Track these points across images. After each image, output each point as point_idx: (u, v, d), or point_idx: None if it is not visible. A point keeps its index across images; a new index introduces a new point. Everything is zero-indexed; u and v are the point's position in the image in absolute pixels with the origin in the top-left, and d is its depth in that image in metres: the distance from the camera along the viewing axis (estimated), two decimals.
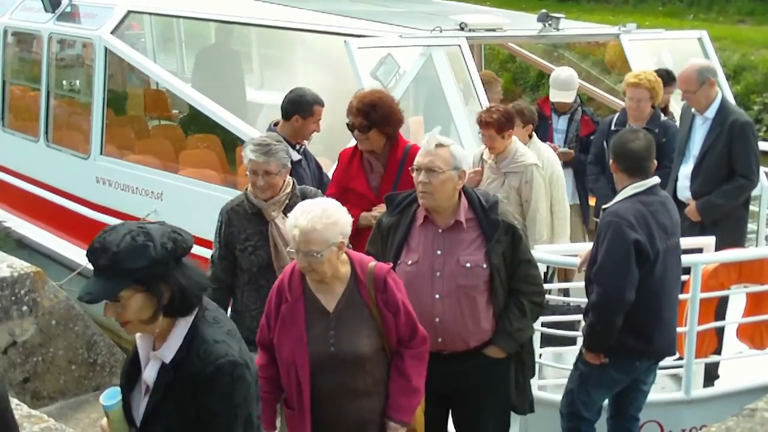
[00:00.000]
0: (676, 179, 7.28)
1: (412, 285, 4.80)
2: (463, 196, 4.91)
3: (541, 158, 7.19)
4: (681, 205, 7.00)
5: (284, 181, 5.44)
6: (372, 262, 4.57)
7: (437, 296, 4.85)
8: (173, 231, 3.38)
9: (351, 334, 4.45)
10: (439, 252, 4.87)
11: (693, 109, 7.23)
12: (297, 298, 4.51)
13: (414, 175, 4.86)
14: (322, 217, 4.32)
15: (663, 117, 7.77)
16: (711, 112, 7.11)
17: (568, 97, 8.36)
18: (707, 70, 7.12)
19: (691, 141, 7.23)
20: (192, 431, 3.33)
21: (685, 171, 7.20)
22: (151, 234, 3.28)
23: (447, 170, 4.77)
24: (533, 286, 4.99)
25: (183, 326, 3.36)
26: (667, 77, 8.12)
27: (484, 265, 4.83)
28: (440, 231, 4.90)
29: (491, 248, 4.83)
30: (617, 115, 7.84)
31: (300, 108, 6.45)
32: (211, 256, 5.58)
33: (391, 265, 4.68)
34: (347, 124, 6.20)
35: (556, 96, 8.39)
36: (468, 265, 4.83)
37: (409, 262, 4.91)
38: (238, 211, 5.48)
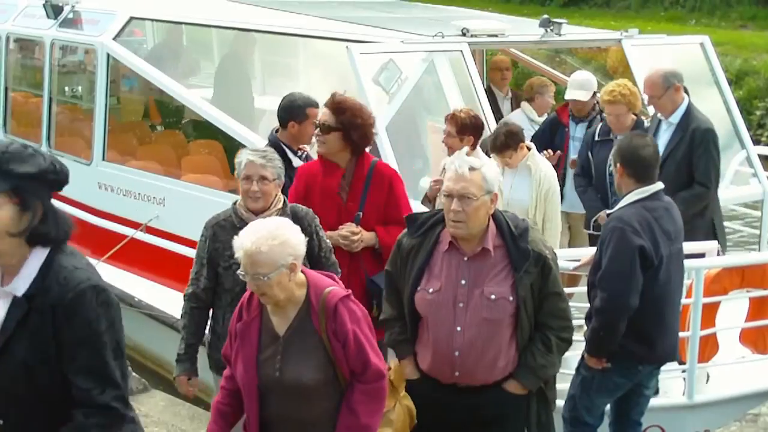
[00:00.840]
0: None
1: (432, 315, 4.61)
2: (491, 221, 4.60)
3: (538, 173, 7.06)
4: None
5: (276, 195, 5.26)
6: (328, 288, 4.27)
7: (458, 329, 4.55)
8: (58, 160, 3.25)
9: (297, 362, 4.21)
10: (463, 282, 4.56)
11: (659, 114, 7.19)
12: (253, 318, 4.32)
13: (444, 201, 4.55)
14: (268, 238, 4.10)
15: (647, 123, 7.64)
16: (676, 118, 7.05)
17: (584, 96, 8.14)
18: (673, 75, 7.05)
19: None
20: (53, 369, 3.14)
21: None
22: (41, 151, 3.22)
23: (481, 196, 4.45)
24: (562, 321, 4.67)
25: (38, 257, 3.17)
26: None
27: (511, 298, 4.51)
28: (466, 259, 4.58)
29: (518, 279, 4.52)
30: (600, 126, 7.69)
31: (293, 114, 6.36)
32: (191, 273, 5.36)
33: (349, 292, 4.31)
34: (314, 123, 5.98)
35: (571, 94, 8.20)
36: (493, 297, 4.51)
37: (431, 290, 4.61)
38: (225, 226, 5.26)
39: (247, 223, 4.99)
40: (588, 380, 5.53)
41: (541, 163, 7.19)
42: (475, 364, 4.58)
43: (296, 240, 4.19)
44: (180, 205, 8.76)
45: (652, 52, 9.07)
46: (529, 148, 7.19)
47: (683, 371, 6.29)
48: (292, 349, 4.23)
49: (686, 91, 7.23)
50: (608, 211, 6.99)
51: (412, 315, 4.72)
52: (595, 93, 8.13)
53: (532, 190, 7.02)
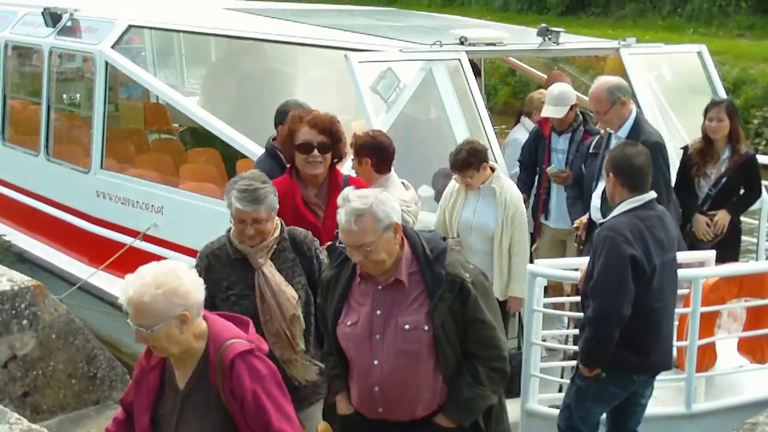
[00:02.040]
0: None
1: (351, 349, 4.37)
2: (406, 245, 4.30)
3: (503, 195, 6.79)
4: (594, 225, 6.91)
5: (274, 224, 4.95)
6: (230, 341, 3.84)
7: (376, 362, 4.29)
8: None
9: (194, 421, 3.85)
10: (378, 312, 4.29)
11: (608, 129, 7.08)
12: (153, 366, 3.95)
13: (347, 251, 4.27)
14: (152, 286, 3.68)
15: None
16: (624, 132, 6.92)
17: (558, 113, 7.80)
18: (618, 89, 6.91)
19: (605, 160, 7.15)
20: None
21: (598, 191, 6.97)
22: None
23: (378, 238, 4.15)
24: (491, 350, 4.31)
25: None
26: None
27: (426, 327, 4.22)
28: (380, 288, 4.31)
29: (434, 307, 4.21)
30: (596, 139, 7.50)
31: (282, 118, 6.37)
32: None
33: (252, 346, 3.90)
34: (299, 145, 5.68)
35: (546, 111, 7.91)
36: (407, 327, 4.23)
37: (348, 323, 4.36)
38: (219, 255, 4.97)
39: (243, 255, 4.86)
40: (583, 390, 5.53)
41: (506, 185, 6.90)
42: (397, 399, 4.33)
43: (187, 288, 3.76)
44: (178, 214, 8.76)
45: (650, 60, 9.10)
46: (493, 169, 6.90)
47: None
48: (190, 407, 3.87)
49: (637, 104, 7.22)
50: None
51: (338, 349, 4.47)
52: (573, 106, 7.86)
53: (497, 214, 6.77)
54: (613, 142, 6.95)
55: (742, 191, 7.62)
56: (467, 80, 7.85)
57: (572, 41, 9.40)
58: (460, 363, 4.32)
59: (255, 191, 4.78)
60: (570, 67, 13.37)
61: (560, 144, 7.93)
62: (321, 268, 4.98)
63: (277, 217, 4.97)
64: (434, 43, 7.98)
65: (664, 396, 6.42)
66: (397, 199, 6.31)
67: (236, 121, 8.81)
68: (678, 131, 8.51)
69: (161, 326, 3.70)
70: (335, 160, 5.79)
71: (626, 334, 5.25)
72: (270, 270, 4.86)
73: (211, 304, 4.80)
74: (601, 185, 6.93)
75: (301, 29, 9.26)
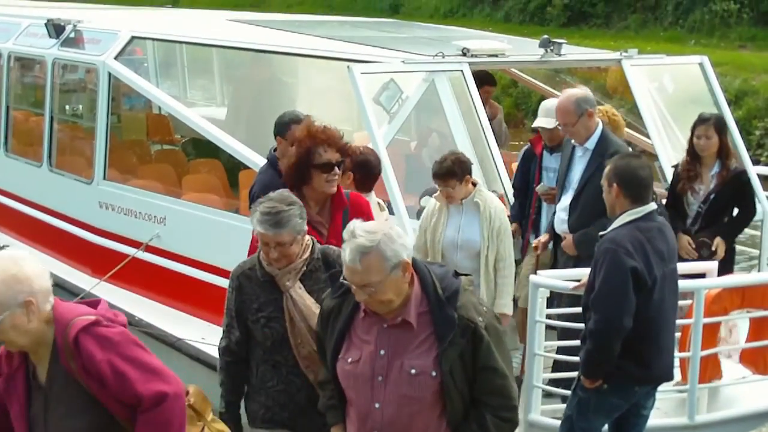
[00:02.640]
0: (554, 212, 7.11)
1: (350, 388, 4.08)
2: (416, 283, 3.98)
3: (487, 210, 6.67)
4: (558, 238, 6.97)
5: (302, 245, 4.74)
6: (73, 319, 3.66)
7: (377, 405, 3.98)
8: None
9: (60, 414, 3.66)
10: (382, 352, 3.97)
11: (573, 141, 7.01)
12: (16, 369, 3.76)
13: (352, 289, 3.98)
14: None
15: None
16: (591, 143, 6.86)
17: (548, 123, 7.60)
18: (585, 101, 6.85)
19: (571, 172, 7.01)
20: None
21: (564, 203, 6.95)
22: None
23: (385, 277, 3.84)
24: (501, 398, 4.01)
25: None
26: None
27: (434, 373, 3.91)
28: (385, 326, 3.99)
29: (443, 352, 3.89)
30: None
31: (279, 129, 6.41)
32: (223, 324, 4.99)
33: (96, 318, 3.71)
34: (321, 165, 5.48)
35: (537, 121, 7.77)
36: (414, 371, 3.92)
37: (349, 360, 4.05)
38: (251, 276, 4.80)
39: (272, 277, 4.70)
40: (585, 401, 5.52)
41: (489, 199, 6.77)
42: None
43: (27, 274, 3.58)
44: (181, 224, 8.77)
45: (651, 72, 9.11)
46: (474, 184, 6.76)
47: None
48: (53, 400, 3.68)
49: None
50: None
51: (336, 381, 4.18)
52: None
53: (482, 229, 6.64)
54: (578, 154, 6.95)
55: (736, 211, 7.51)
56: (469, 91, 7.86)
57: (574, 52, 9.41)
58: (467, 409, 4.02)
59: (277, 214, 4.59)
60: (572, 78, 13.38)
61: (552, 162, 7.71)
62: None
63: (308, 236, 4.80)
64: (437, 55, 8.00)
65: (667, 407, 6.42)
66: None
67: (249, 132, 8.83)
68: (680, 142, 8.50)
69: (6, 316, 3.55)
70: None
71: (627, 346, 5.25)
72: (299, 293, 4.70)
73: (244, 324, 4.79)
74: (566, 198, 6.96)
75: (304, 40, 9.29)
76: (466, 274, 4.12)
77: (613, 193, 5.47)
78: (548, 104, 7.84)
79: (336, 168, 5.51)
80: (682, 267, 5.99)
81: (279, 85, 10.90)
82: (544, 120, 7.72)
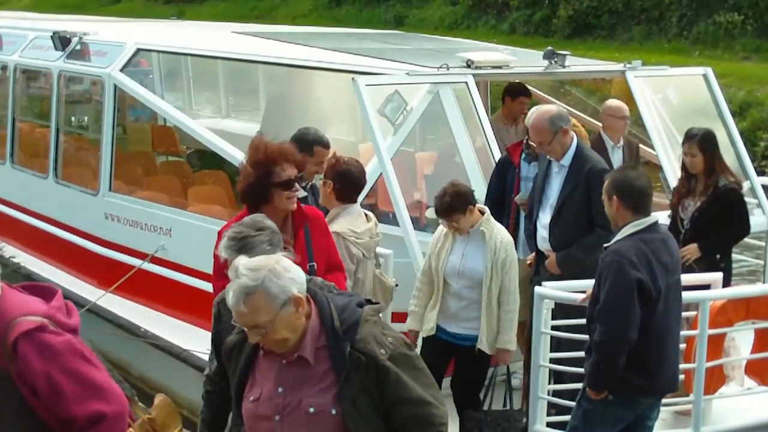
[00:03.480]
0: (535, 229, 6.97)
1: (252, 428, 3.79)
2: (314, 316, 3.67)
3: (493, 240, 6.39)
4: (542, 256, 6.87)
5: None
6: (16, 319, 3.40)
7: None
8: None
9: None
10: (280, 390, 3.68)
11: (548, 156, 6.91)
12: None
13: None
14: None
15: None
16: (567, 160, 6.78)
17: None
18: (559, 118, 6.77)
19: (548, 189, 6.90)
20: None
21: (544, 221, 6.86)
22: None
23: (275, 316, 3.54)
24: (422, 426, 3.69)
25: None
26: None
27: (334, 411, 3.61)
28: (284, 362, 3.69)
29: (341, 389, 3.60)
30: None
31: (301, 146, 6.21)
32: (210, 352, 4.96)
33: (42, 323, 3.44)
34: (282, 183, 5.33)
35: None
36: (312, 410, 3.63)
37: (251, 399, 3.76)
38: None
39: None
40: (590, 412, 5.52)
41: (496, 229, 6.50)
42: None
43: None
44: (186, 236, 8.79)
45: (655, 83, 9.13)
46: (482, 212, 6.52)
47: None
48: None
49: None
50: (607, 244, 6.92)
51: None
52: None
53: (486, 259, 6.38)
54: (555, 170, 6.86)
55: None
56: (474, 103, 7.88)
57: (578, 64, 9.44)
58: None
59: (242, 239, 4.45)
60: (576, 89, 13.43)
61: (531, 172, 7.41)
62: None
63: None
64: (441, 66, 8.02)
65: (672, 419, 6.42)
66: (347, 229, 6.17)
67: None
68: None
69: None
70: None
71: (632, 357, 5.25)
72: None
73: (220, 354, 4.46)
74: (544, 215, 6.86)
75: (308, 52, 9.32)
76: (374, 303, 3.87)
77: (613, 206, 5.47)
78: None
79: (296, 184, 5.36)
80: (687, 278, 5.99)
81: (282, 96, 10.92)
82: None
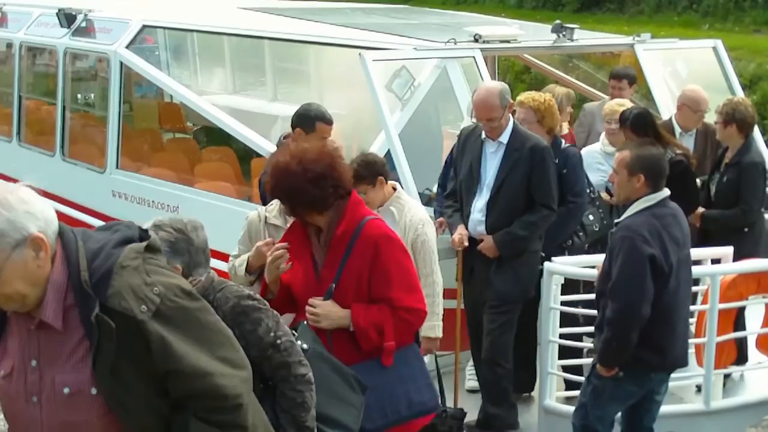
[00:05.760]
0: (469, 213, 6.48)
1: (8, 412, 3.00)
2: (58, 265, 2.82)
3: (403, 219, 5.86)
4: (474, 242, 6.42)
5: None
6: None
7: None
8: None
9: None
10: (33, 363, 2.87)
11: (482, 135, 6.44)
12: None
13: None
14: None
15: (564, 144, 6.89)
16: (505, 137, 6.37)
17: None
18: (507, 93, 6.40)
19: (483, 170, 6.43)
20: None
21: (479, 204, 6.42)
22: None
23: (3, 261, 2.75)
24: (207, 400, 2.89)
25: None
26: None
27: (94, 390, 2.80)
28: (32, 327, 2.86)
29: (97, 361, 2.77)
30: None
31: (302, 122, 6.20)
32: None
33: None
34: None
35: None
36: (66, 390, 2.81)
37: (1, 374, 2.93)
38: None
39: None
40: (600, 389, 5.50)
41: (407, 206, 5.96)
42: None
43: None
44: (194, 213, 8.74)
45: (665, 56, 9.07)
46: (394, 188, 6.02)
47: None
48: None
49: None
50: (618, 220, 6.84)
51: None
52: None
53: None
54: (490, 150, 6.41)
55: None
56: (482, 78, 7.83)
57: (587, 37, 9.37)
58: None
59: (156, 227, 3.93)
60: (585, 63, 13.33)
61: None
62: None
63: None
64: (448, 41, 7.96)
65: (683, 393, 6.41)
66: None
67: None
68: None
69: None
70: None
71: (643, 333, 5.23)
72: None
73: None
74: (480, 198, 6.42)
75: (315, 28, 9.26)
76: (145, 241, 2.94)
77: (637, 183, 5.36)
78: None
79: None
80: (697, 253, 5.96)
81: (289, 71, 10.88)
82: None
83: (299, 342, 4.00)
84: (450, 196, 6.75)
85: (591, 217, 6.93)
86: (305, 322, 4.40)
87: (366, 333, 4.41)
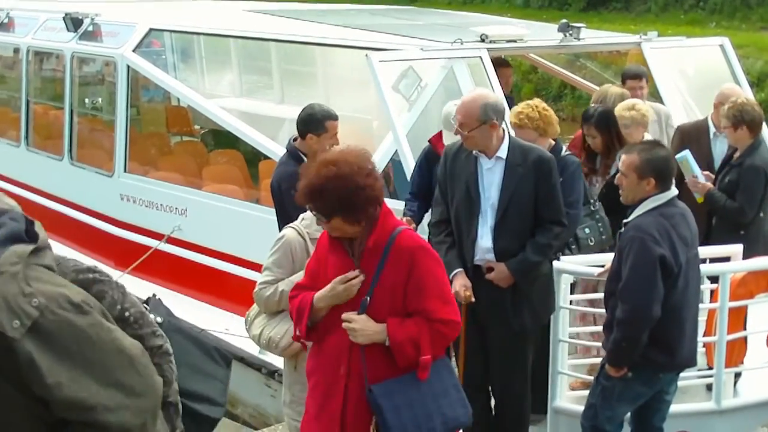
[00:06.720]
0: (474, 239, 5.69)
1: None
2: None
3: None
4: (480, 273, 5.69)
5: None
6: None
7: None
8: None
9: None
10: None
11: (475, 151, 5.68)
12: None
13: None
14: None
15: (565, 151, 6.54)
16: (503, 152, 5.67)
17: (449, 137, 6.34)
18: (493, 107, 5.63)
19: (482, 191, 5.69)
20: None
21: (485, 229, 5.68)
22: None
23: None
24: (90, 430, 2.48)
25: None
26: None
27: None
28: None
29: None
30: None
31: (312, 126, 6.17)
32: None
33: None
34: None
35: (446, 137, 6.55)
36: None
37: None
38: None
39: None
40: (609, 389, 5.48)
41: None
42: None
43: None
44: (202, 216, 8.79)
45: (672, 54, 9.04)
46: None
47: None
48: None
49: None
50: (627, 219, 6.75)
51: None
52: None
53: None
54: (486, 167, 5.68)
55: None
56: (488, 78, 7.82)
57: (593, 36, 9.36)
58: None
59: None
60: (592, 62, 13.33)
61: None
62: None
63: None
64: (455, 41, 7.95)
65: (693, 392, 6.39)
66: None
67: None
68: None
69: None
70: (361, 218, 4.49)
71: (652, 333, 5.21)
72: None
73: None
74: (484, 221, 5.69)
75: (321, 29, 9.27)
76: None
77: (647, 186, 5.33)
78: (443, 113, 6.83)
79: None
80: (706, 251, 5.94)
81: (296, 73, 10.89)
82: (447, 134, 6.56)
83: (152, 315, 3.66)
84: (439, 225, 5.88)
85: (587, 231, 6.59)
86: (155, 295, 3.81)
87: (402, 348, 4.28)
